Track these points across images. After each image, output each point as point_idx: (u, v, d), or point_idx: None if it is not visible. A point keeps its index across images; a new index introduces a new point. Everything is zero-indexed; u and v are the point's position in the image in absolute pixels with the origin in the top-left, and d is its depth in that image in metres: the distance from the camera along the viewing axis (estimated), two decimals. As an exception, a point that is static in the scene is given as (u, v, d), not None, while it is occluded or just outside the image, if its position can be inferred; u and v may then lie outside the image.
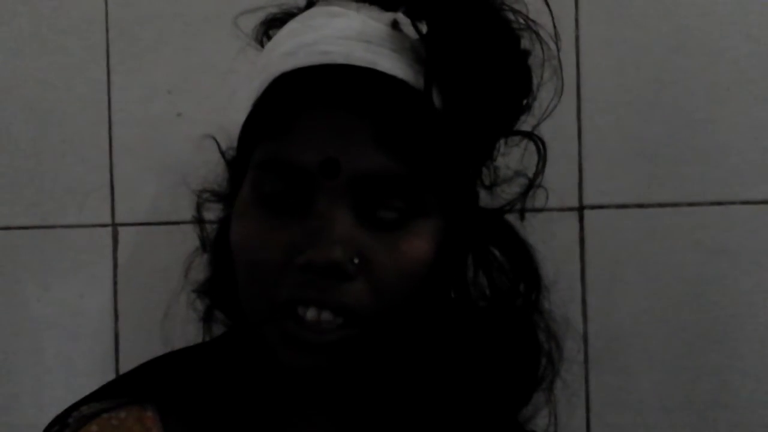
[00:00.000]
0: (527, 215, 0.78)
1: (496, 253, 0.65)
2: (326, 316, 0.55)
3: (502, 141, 0.66)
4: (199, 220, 0.73)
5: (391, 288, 0.56)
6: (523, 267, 0.65)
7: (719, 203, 0.83)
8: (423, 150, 0.56)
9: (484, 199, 0.66)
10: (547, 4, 0.65)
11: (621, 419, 0.84)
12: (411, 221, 0.57)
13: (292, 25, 0.62)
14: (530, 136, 0.66)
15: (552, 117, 0.83)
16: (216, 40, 0.85)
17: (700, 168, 0.83)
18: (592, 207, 0.85)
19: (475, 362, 0.63)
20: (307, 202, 0.56)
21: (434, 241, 0.58)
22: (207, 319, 0.70)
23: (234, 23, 0.74)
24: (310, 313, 0.55)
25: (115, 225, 0.91)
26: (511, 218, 0.68)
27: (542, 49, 0.64)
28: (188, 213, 0.76)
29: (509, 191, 0.67)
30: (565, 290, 0.82)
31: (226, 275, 0.64)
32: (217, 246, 0.69)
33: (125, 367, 0.89)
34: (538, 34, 0.64)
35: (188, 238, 0.76)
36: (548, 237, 0.81)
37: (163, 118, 0.89)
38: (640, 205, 0.84)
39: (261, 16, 0.69)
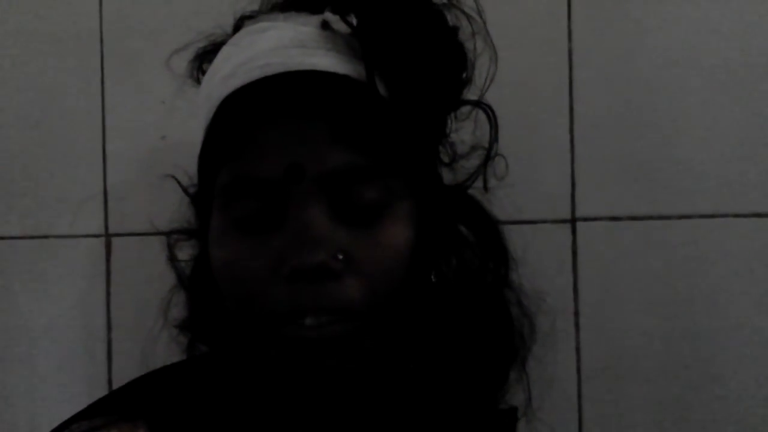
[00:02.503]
0: (521, 227, 0.79)
1: (464, 230, 0.65)
2: (324, 320, 0.55)
3: (452, 117, 0.66)
4: (172, 260, 0.73)
5: (380, 278, 0.56)
6: (490, 242, 0.66)
7: (710, 216, 0.83)
8: (379, 138, 0.56)
9: (447, 177, 0.67)
10: None
11: (614, 430, 0.84)
12: (384, 209, 0.57)
13: (225, 50, 0.63)
14: (478, 104, 0.67)
15: (545, 129, 0.85)
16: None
17: (691, 181, 0.84)
18: (585, 219, 0.85)
19: (453, 340, 0.63)
20: (281, 214, 0.56)
21: (411, 224, 0.58)
22: (190, 351, 0.70)
23: (166, 65, 0.76)
24: (309, 321, 0.55)
25: (108, 235, 0.91)
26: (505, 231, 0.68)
27: (470, 22, 0.65)
28: (182, 223, 0.76)
29: (469, 166, 0.68)
30: (557, 302, 0.83)
31: (207, 311, 0.65)
32: (193, 283, 0.69)
33: (118, 376, 0.90)
34: (462, 11, 0.65)
35: (181, 249, 0.76)
36: (541, 249, 0.82)
37: (157, 129, 0.89)
38: (633, 218, 0.84)
39: (192, 52, 0.71)
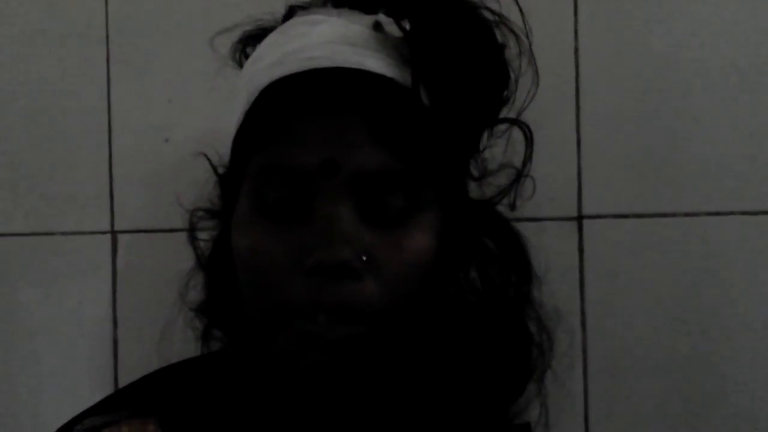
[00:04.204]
0: (527, 225, 0.79)
1: (489, 244, 0.66)
2: (338, 318, 0.55)
3: (486, 133, 0.66)
4: (193, 240, 0.73)
5: (399, 284, 0.56)
6: (515, 258, 0.66)
7: (717, 213, 0.83)
8: (417, 145, 0.56)
9: (475, 191, 0.68)
10: (517, 3, 0.67)
11: (620, 427, 0.84)
12: (412, 216, 0.57)
13: (273, 37, 0.63)
14: (517, 122, 0.67)
15: (551, 127, 0.84)
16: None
17: (698, 178, 0.84)
18: (591, 217, 0.85)
19: (471, 354, 0.63)
20: (309, 206, 0.56)
21: (435, 234, 0.58)
22: (205, 337, 0.70)
23: (210, 45, 0.76)
24: (323, 318, 0.55)
25: (114, 232, 0.91)
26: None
27: (518, 42, 0.65)
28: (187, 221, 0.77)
29: (497, 183, 0.68)
30: (564, 300, 0.82)
31: (223, 294, 0.65)
32: (212, 265, 0.70)
33: (124, 374, 0.90)
34: (511, 30, 0.65)
35: (187, 246, 0.76)
36: (547, 246, 0.82)
37: (163, 126, 0.89)
38: (639, 215, 0.84)
39: (236, 35, 0.71)
